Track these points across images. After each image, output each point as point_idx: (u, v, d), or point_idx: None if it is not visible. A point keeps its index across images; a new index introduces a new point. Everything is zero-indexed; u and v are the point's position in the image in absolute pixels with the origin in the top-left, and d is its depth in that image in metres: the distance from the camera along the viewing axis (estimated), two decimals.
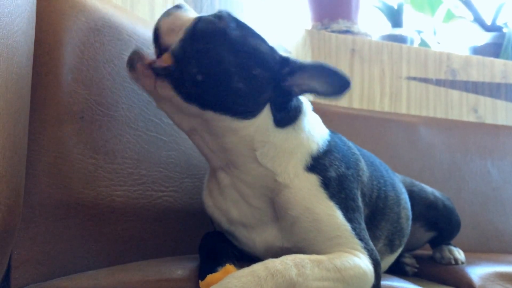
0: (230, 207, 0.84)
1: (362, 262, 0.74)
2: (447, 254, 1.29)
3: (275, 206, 0.81)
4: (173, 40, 0.75)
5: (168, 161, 0.98)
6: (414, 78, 2.04)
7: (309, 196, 0.78)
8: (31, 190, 0.73)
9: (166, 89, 0.74)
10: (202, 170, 1.07)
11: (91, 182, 0.81)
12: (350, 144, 0.97)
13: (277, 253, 0.73)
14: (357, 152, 0.96)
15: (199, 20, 0.76)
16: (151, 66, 0.74)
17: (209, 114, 0.75)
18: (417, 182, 1.34)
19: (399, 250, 1.14)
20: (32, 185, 0.73)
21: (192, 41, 0.74)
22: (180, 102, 0.74)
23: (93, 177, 0.81)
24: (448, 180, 1.80)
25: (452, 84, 2.08)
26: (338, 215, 0.78)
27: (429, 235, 1.32)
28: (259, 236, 0.84)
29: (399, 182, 1.17)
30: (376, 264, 0.77)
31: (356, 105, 1.93)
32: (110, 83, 0.87)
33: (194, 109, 0.75)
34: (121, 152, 0.87)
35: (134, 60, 0.75)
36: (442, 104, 2.05)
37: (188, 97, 0.74)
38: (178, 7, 0.80)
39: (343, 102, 1.93)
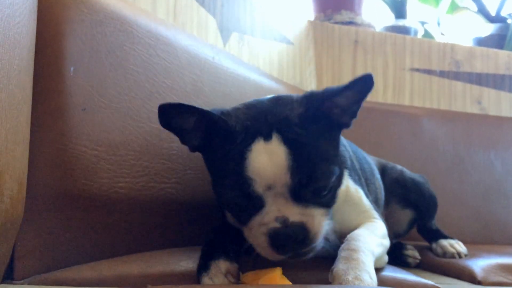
0: None
1: (383, 226, 0.94)
2: (449, 248, 1.30)
3: None
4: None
5: (170, 153, 0.98)
6: (418, 70, 2.03)
7: (344, 186, 0.88)
8: (34, 182, 0.73)
9: None
10: None
11: (94, 174, 0.81)
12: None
13: None
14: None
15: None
16: None
17: None
18: (391, 163, 1.41)
19: None
20: (35, 177, 0.73)
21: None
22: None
23: (95, 168, 0.81)
24: (451, 172, 1.80)
25: (456, 75, 2.07)
26: (364, 196, 0.94)
27: (407, 213, 1.35)
28: None
29: (371, 161, 1.30)
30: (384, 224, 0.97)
31: None
32: (112, 74, 0.87)
33: None
34: (124, 144, 0.87)
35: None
36: (446, 96, 2.04)
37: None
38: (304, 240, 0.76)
39: None
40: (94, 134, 0.82)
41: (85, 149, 0.80)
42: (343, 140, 1.00)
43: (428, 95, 2.02)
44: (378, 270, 0.81)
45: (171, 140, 0.98)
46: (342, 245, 0.78)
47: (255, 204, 0.74)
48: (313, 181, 0.73)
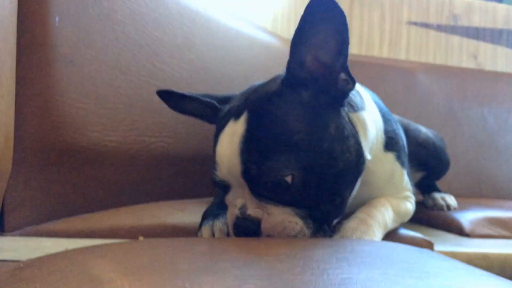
0: None
1: (411, 206, 0.92)
2: (439, 201, 1.31)
3: None
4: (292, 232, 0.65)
5: (161, 107, 0.96)
6: (415, 23, 1.99)
7: (390, 170, 0.85)
8: (22, 135, 0.72)
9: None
10: None
11: (83, 127, 0.80)
12: (377, 98, 0.98)
13: None
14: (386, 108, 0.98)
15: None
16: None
17: None
18: (413, 123, 1.35)
19: None
20: (23, 130, 0.73)
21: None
22: None
23: (84, 122, 0.80)
24: (445, 126, 1.80)
25: (453, 29, 2.03)
26: (406, 176, 0.90)
27: (419, 175, 1.34)
28: None
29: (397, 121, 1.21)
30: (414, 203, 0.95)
31: (354, 50, 1.90)
32: (99, 26, 0.84)
33: None
34: (113, 97, 0.86)
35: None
36: (442, 50, 2.02)
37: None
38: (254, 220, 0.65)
39: None
40: (82, 87, 0.80)
41: (73, 102, 0.78)
42: (392, 117, 0.91)
43: (424, 50, 2.00)
44: None
45: None
46: (363, 207, 0.77)
47: (224, 187, 0.68)
48: (264, 172, 0.62)
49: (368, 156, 0.74)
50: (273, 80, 0.71)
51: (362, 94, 0.82)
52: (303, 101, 0.66)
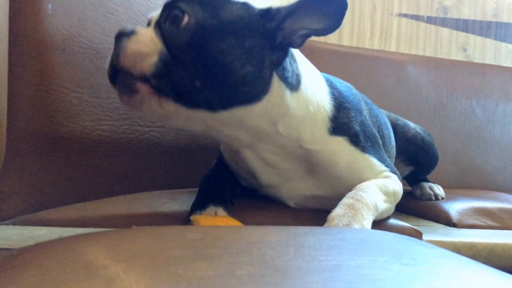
0: (257, 175, 0.82)
1: (397, 183, 0.87)
2: (427, 190, 1.33)
3: (311, 164, 0.81)
4: (145, 64, 0.65)
5: None
6: (406, 15, 2.00)
7: (346, 156, 0.81)
8: (15, 124, 0.72)
9: (171, 105, 0.66)
10: None
11: (76, 116, 0.80)
12: (344, 83, 0.96)
13: (306, 198, 0.85)
14: (355, 91, 0.97)
15: (169, 35, 0.66)
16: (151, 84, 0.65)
17: (221, 113, 0.69)
18: (401, 118, 1.37)
19: None
20: (16, 119, 0.72)
21: (174, 56, 0.65)
22: (188, 112, 0.68)
23: (77, 111, 0.80)
24: (433, 118, 1.82)
25: (443, 21, 2.05)
26: (375, 162, 0.85)
27: (407, 169, 1.36)
28: (286, 186, 0.84)
29: (383, 115, 1.21)
30: (400, 181, 0.91)
31: (345, 42, 1.91)
32: (92, 13, 0.84)
33: (204, 113, 0.68)
34: (106, 86, 0.86)
35: (132, 81, 0.65)
36: (432, 42, 2.04)
37: (194, 105, 0.67)
38: (128, 33, 0.67)
39: (332, 39, 1.90)
40: (75, 75, 0.80)
41: (66, 91, 0.78)
42: (356, 106, 0.88)
43: (414, 41, 2.01)
44: None
45: None
46: (348, 193, 0.76)
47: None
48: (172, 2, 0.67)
49: (287, 92, 0.73)
50: None
51: (317, 77, 0.82)
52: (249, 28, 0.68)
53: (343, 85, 0.93)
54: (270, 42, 0.69)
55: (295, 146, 0.78)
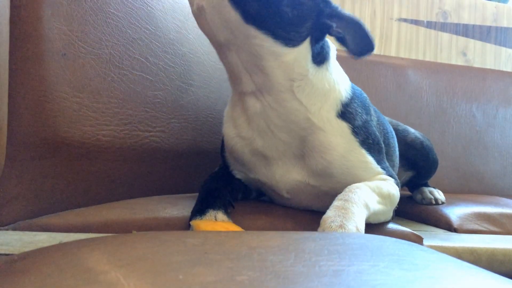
0: (255, 136, 0.84)
1: (393, 187, 0.87)
2: (427, 194, 1.33)
3: (306, 145, 0.82)
4: None
5: (154, 101, 0.97)
6: (405, 20, 2.01)
7: (343, 143, 0.83)
8: (15, 129, 0.72)
9: None
10: (190, 111, 1.07)
11: (76, 121, 0.80)
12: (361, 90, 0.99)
13: (298, 187, 0.85)
14: (368, 99, 1.00)
15: None
16: None
17: (252, 31, 0.74)
18: (402, 124, 1.37)
19: None
20: (16, 124, 0.72)
21: None
22: (226, 9, 0.74)
23: (78, 116, 0.80)
24: (433, 123, 1.82)
25: (443, 26, 2.05)
26: (371, 160, 0.85)
27: (407, 175, 1.36)
28: (280, 169, 0.86)
29: (389, 124, 1.22)
30: (398, 186, 0.91)
31: None
32: (92, 19, 0.84)
33: (237, 17, 0.73)
34: (106, 91, 0.86)
35: None
36: (432, 47, 2.04)
37: (234, 2, 0.73)
38: None
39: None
40: (75, 81, 0.80)
41: (67, 96, 0.79)
42: (368, 108, 0.93)
43: (414, 46, 2.02)
44: None
45: (155, 88, 0.97)
46: (338, 195, 0.77)
47: None
48: None
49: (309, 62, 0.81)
50: None
51: (342, 71, 0.91)
52: None
53: (360, 91, 0.97)
54: (318, 17, 0.78)
55: (301, 116, 0.81)
